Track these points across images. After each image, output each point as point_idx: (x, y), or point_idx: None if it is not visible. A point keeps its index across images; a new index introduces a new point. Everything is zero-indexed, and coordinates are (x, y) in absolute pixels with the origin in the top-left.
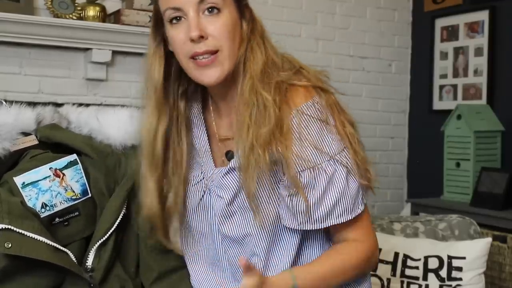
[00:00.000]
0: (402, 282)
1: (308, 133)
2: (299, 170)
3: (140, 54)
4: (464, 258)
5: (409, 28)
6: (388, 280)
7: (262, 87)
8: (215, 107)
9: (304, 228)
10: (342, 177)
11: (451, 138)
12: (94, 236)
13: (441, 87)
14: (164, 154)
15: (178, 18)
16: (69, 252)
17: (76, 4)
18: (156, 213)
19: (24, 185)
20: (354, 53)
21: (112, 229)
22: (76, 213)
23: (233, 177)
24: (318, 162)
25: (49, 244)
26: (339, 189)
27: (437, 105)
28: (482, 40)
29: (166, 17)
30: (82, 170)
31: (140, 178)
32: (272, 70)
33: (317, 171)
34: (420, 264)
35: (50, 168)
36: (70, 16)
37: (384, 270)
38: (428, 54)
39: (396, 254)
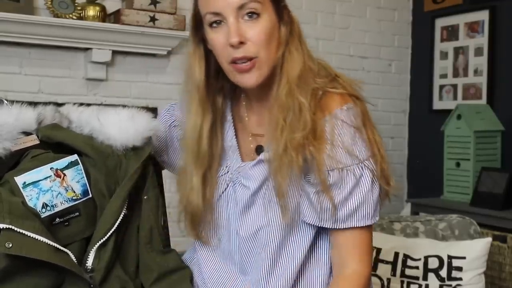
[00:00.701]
0: (402, 282)
1: (340, 137)
2: (328, 169)
3: (140, 54)
4: (464, 258)
5: (409, 28)
6: (388, 280)
7: (299, 92)
8: (248, 104)
9: (324, 226)
10: (368, 181)
11: (451, 138)
12: (94, 236)
13: (441, 87)
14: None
15: (218, 22)
16: (69, 252)
17: (76, 4)
18: (200, 209)
19: (25, 185)
20: (354, 53)
21: (112, 229)
22: (77, 214)
23: (261, 168)
24: (348, 164)
25: (49, 244)
26: (364, 192)
27: (437, 105)
28: (482, 40)
29: (206, 20)
30: (83, 171)
31: (182, 174)
32: (308, 76)
33: (345, 172)
34: (420, 264)
35: (51, 168)
36: (70, 16)
37: (384, 270)
38: (428, 54)
39: (396, 254)
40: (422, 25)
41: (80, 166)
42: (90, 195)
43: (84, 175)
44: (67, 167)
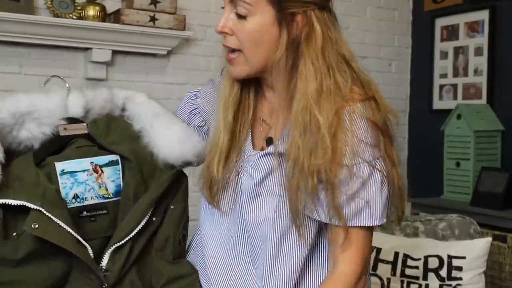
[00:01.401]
0: (402, 281)
1: (356, 129)
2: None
3: (140, 54)
4: (464, 257)
5: (409, 27)
6: (388, 279)
7: (318, 110)
8: (261, 91)
9: (329, 222)
10: (377, 181)
11: (451, 138)
12: (112, 238)
13: (441, 87)
14: (233, 124)
15: (223, 7)
16: (88, 247)
17: (76, 4)
18: (219, 176)
19: (63, 172)
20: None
21: (131, 235)
22: (105, 211)
23: (268, 160)
24: (357, 162)
25: (72, 234)
26: (372, 192)
27: (437, 104)
28: (482, 40)
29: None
30: (121, 172)
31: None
32: (333, 94)
33: (355, 170)
34: (420, 263)
35: (91, 163)
36: (70, 15)
37: (384, 270)
38: (428, 54)
39: (396, 254)
40: (422, 25)
41: (119, 167)
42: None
43: (121, 176)
44: (107, 164)
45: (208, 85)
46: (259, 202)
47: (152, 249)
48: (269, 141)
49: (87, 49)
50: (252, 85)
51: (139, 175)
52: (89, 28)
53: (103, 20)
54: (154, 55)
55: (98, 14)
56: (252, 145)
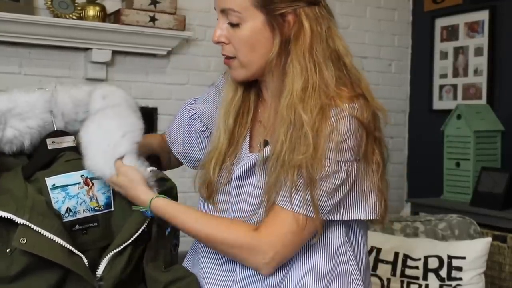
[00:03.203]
0: (402, 282)
1: (341, 129)
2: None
3: (140, 54)
4: (464, 258)
5: (409, 28)
6: (388, 280)
7: (301, 107)
8: (261, 95)
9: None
10: (338, 180)
11: (451, 138)
12: (112, 245)
13: (441, 87)
14: (233, 127)
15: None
16: (83, 256)
17: (76, 4)
18: (215, 176)
19: (54, 187)
20: (354, 53)
21: (130, 241)
22: (95, 224)
23: (257, 162)
24: (331, 158)
25: (64, 246)
26: (332, 184)
27: (437, 104)
28: (482, 40)
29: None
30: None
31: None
32: (318, 91)
33: (334, 167)
34: (420, 264)
35: (81, 176)
36: (70, 16)
37: (384, 270)
38: (428, 54)
39: (396, 254)
40: (422, 25)
41: None
42: (112, 209)
43: (111, 188)
44: (97, 177)
45: (210, 89)
46: (242, 199)
47: (142, 260)
48: (265, 144)
49: (87, 49)
50: (253, 88)
51: None
52: (89, 28)
53: (103, 20)
54: (154, 55)
55: (98, 14)
56: (250, 147)
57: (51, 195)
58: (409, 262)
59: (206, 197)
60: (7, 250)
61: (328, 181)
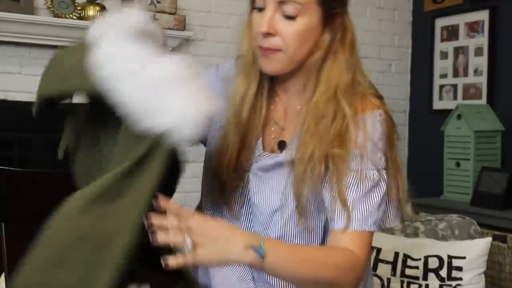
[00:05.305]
0: (402, 282)
1: (374, 132)
2: (349, 171)
3: None
4: (464, 258)
5: (409, 28)
6: (388, 280)
7: (345, 101)
8: (275, 93)
9: (331, 227)
10: (383, 189)
11: (451, 138)
12: None
13: (441, 87)
14: (247, 124)
15: (261, 9)
16: None
17: (76, 4)
18: (230, 176)
19: None
20: None
21: None
22: None
23: (280, 173)
24: (368, 167)
25: None
26: (379, 197)
27: (437, 104)
28: (482, 40)
29: (255, 3)
30: None
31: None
32: (354, 88)
33: (364, 175)
34: (420, 264)
35: None
36: (70, 16)
37: (384, 270)
38: (428, 54)
39: (396, 254)
40: (422, 25)
41: None
42: None
43: None
44: None
45: (211, 71)
46: (261, 200)
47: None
48: (281, 145)
49: None
50: (266, 84)
51: None
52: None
53: None
54: None
55: (98, 14)
56: (263, 146)
57: None
58: (409, 262)
59: (219, 199)
60: None
61: (376, 193)
